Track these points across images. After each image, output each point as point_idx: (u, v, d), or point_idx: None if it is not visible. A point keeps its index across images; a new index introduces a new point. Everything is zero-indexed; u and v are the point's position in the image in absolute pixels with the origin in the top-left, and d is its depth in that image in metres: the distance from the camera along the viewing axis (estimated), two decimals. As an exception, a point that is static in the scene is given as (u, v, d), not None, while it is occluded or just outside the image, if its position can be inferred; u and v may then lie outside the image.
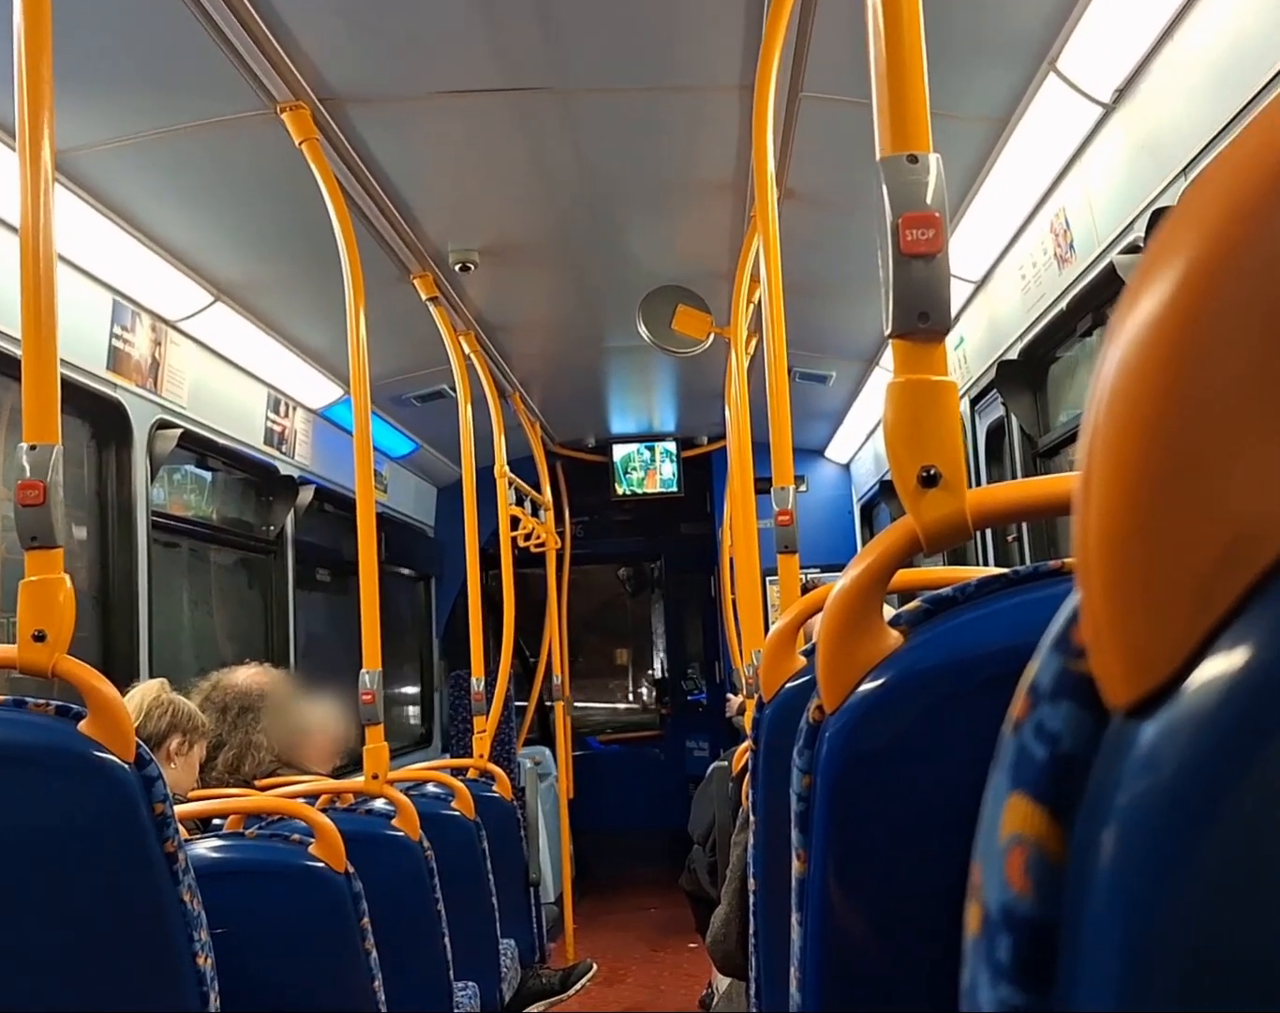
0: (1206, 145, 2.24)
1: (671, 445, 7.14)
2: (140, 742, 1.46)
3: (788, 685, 1.35)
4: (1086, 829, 0.31)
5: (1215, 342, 0.28)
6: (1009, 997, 0.32)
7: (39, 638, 1.46)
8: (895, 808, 0.93)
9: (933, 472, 0.98)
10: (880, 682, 0.93)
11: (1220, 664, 0.28)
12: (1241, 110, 2.10)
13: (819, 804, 0.96)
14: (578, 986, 4.37)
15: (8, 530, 2.92)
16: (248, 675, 3.04)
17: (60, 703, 1.46)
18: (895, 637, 0.94)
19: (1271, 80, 1.98)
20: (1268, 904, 0.26)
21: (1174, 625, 0.29)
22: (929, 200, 1.03)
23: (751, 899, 1.60)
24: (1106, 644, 0.30)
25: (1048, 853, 0.32)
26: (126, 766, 1.43)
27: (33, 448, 1.50)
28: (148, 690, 2.59)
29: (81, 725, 1.43)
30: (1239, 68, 2.08)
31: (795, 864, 1.01)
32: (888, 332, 1.04)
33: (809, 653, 1.33)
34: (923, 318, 1.02)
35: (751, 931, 1.62)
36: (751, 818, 1.53)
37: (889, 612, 0.98)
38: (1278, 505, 0.28)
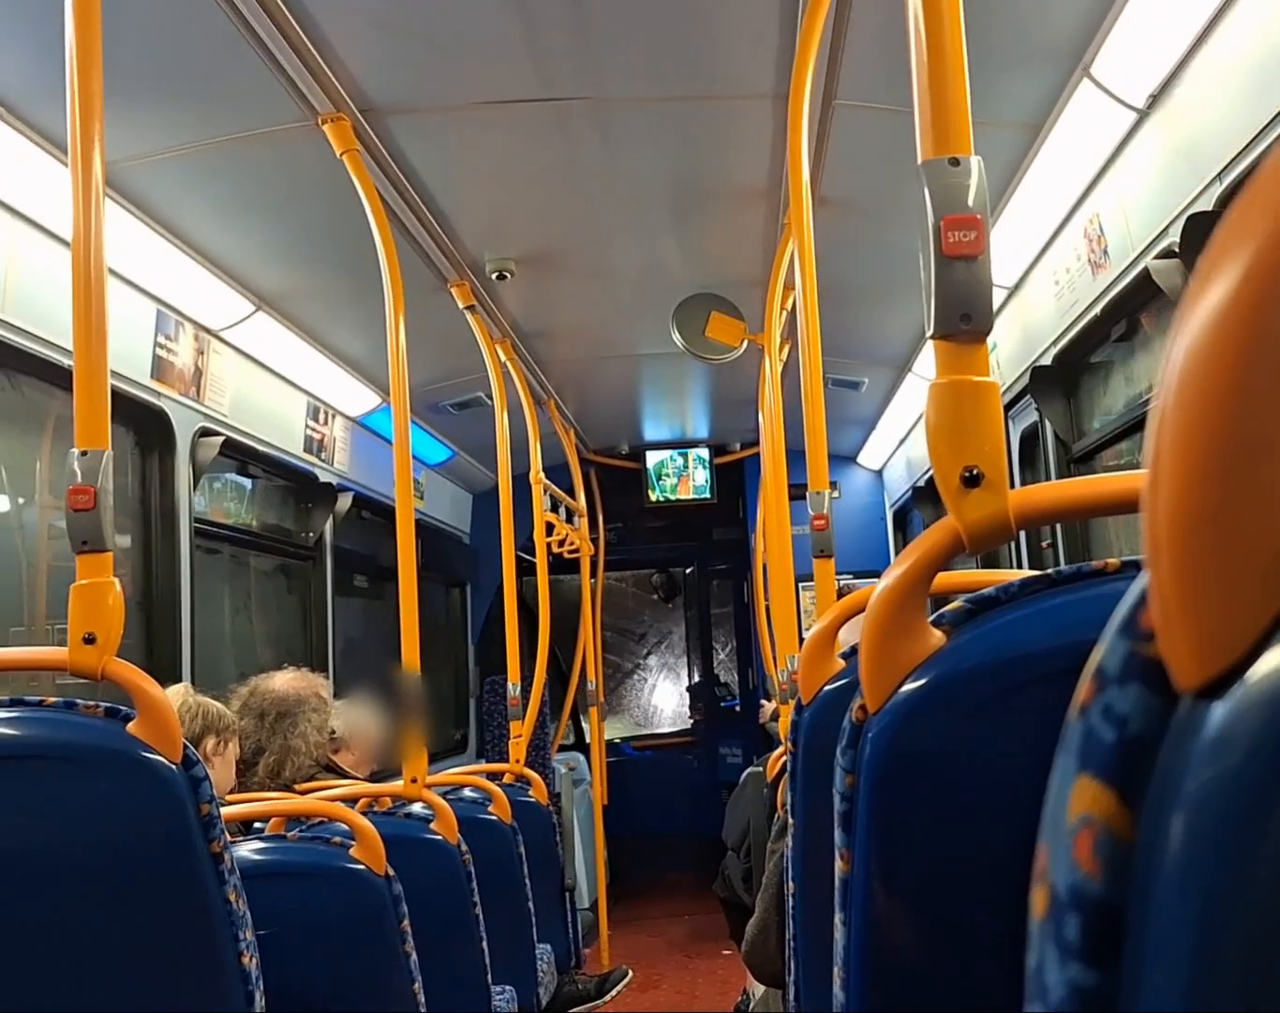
0: (1241, 150, 2.23)
1: (704, 452, 7.14)
2: (187, 743, 1.48)
3: (826, 688, 1.35)
4: (1155, 811, 0.31)
5: None
6: (1077, 976, 0.33)
7: (89, 640, 1.49)
8: (939, 807, 0.94)
9: (975, 472, 0.98)
10: (923, 681, 0.93)
11: None
12: (1277, 115, 2.09)
13: (862, 804, 0.96)
14: (613, 992, 4.37)
15: (54, 538, 2.97)
16: (285, 681, 3.06)
17: (109, 705, 1.48)
18: (938, 637, 0.95)
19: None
20: None
21: (1243, 608, 0.29)
22: (971, 202, 1.04)
23: (790, 902, 1.60)
24: (1175, 627, 0.31)
25: (1116, 834, 0.32)
26: (174, 766, 1.45)
27: (84, 453, 1.52)
28: (174, 696, 2.58)
29: (130, 727, 1.45)
30: (1274, 72, 2.07)
31: (839, 864, 1.01)
32: (930, 333, 1.04)
33: (847, 655, 1.33)
34: (965, 319, 1.03)
35: (790, 934, 1.62)
36: (790, 821, 1.54)
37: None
38: None
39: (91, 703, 1.48)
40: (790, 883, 1.61)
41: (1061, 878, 0.33)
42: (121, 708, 1.48)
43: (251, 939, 1.54)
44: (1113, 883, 0.32)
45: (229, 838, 1.62)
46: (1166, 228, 2.63)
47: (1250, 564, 0.29)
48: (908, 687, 0.94)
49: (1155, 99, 2.48)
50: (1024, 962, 0.36)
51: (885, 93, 2.66)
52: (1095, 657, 0.35)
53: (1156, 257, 2.67)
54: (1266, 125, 2.13)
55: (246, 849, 1.98)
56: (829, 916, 1.05)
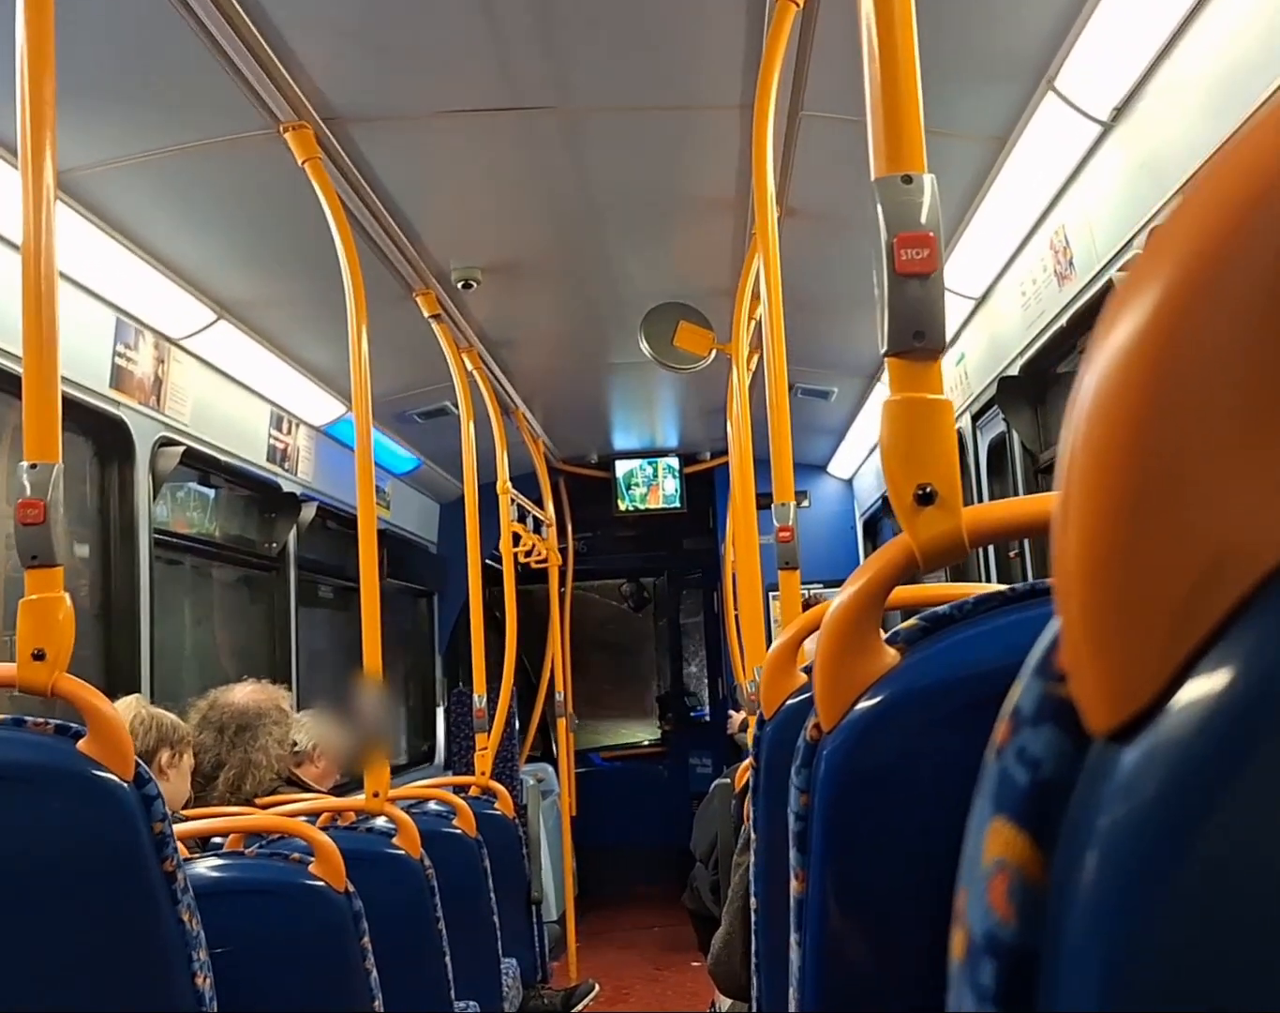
0: (1204, 163, 2.25)
1: (674, 461, 7.15)
2: (139, 760, 1.46)
3: (788, 703, 1.35)
4: (1067, 855, 0.30)
5: (1192, 365, 0.28)
6: (993, 1022, 0.32)
7: (38, 657, 1.46)
8: (893, 827, 0.93)
9: (929, 490, 0.98)
10: (877, 700, 0.93)
11: (1199, 689, 0.28)
12: (1239, 128, 2.10)
13: (817, 823, 0.96)
14: (580, 1006, 4.36)
15: (10, 548, 2.93)
16: (245, 694, 3.03)
17: (59, 722, 1.46)
18: (892, 655, 0.94)
19: (1268, 99, 1.99)
20: (1247, 929, 0.26)
21: (1153, 650, 0.29)
22: (923, 220, 1.04)
23: (753, 919, 1.59)
24: (1086, 669, 0.30)
25: (1029, 879, 0.32)
26: (126, 785, 1.43)
27: (33, 467, 1.50)
28: (126, 708, 2.54)
29: (80, 744, 1.43)
30: (1236, 86, 2.08)
31: (794, 884, 1.01)
32: (883, 350, 1.04)
33: (810, 670, 1.33)
34: (918, 337, 1.03)
35: (754, 950, 1.61)
36: (753, 837, 1.53)
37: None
38: (1256, 529, 0.28)
39: (41, 720, 1.46)
40: (753, 899, 1.60)
41: (977, 922, 0.33)
42: (72, 725, 1.46)
43: (205, 960, 1.52)
44: (1026, 928, 0.31)
45: (185, 855, 1.60)
46: (1131, 240, 2.65)
47: (1158, 608, 0.28)
48: (862, 705, 0.94)
49: (1119, 112, 2.50)
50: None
51: (852, 103, 2.63)
52: (1012, 697, 0.35)
53: (1121, 269, 2.69)
54: (1228, 139, 2.15)
55: (203, 866, 1.96)
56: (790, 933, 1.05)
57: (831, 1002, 0.97)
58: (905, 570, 0.97)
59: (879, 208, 1.04)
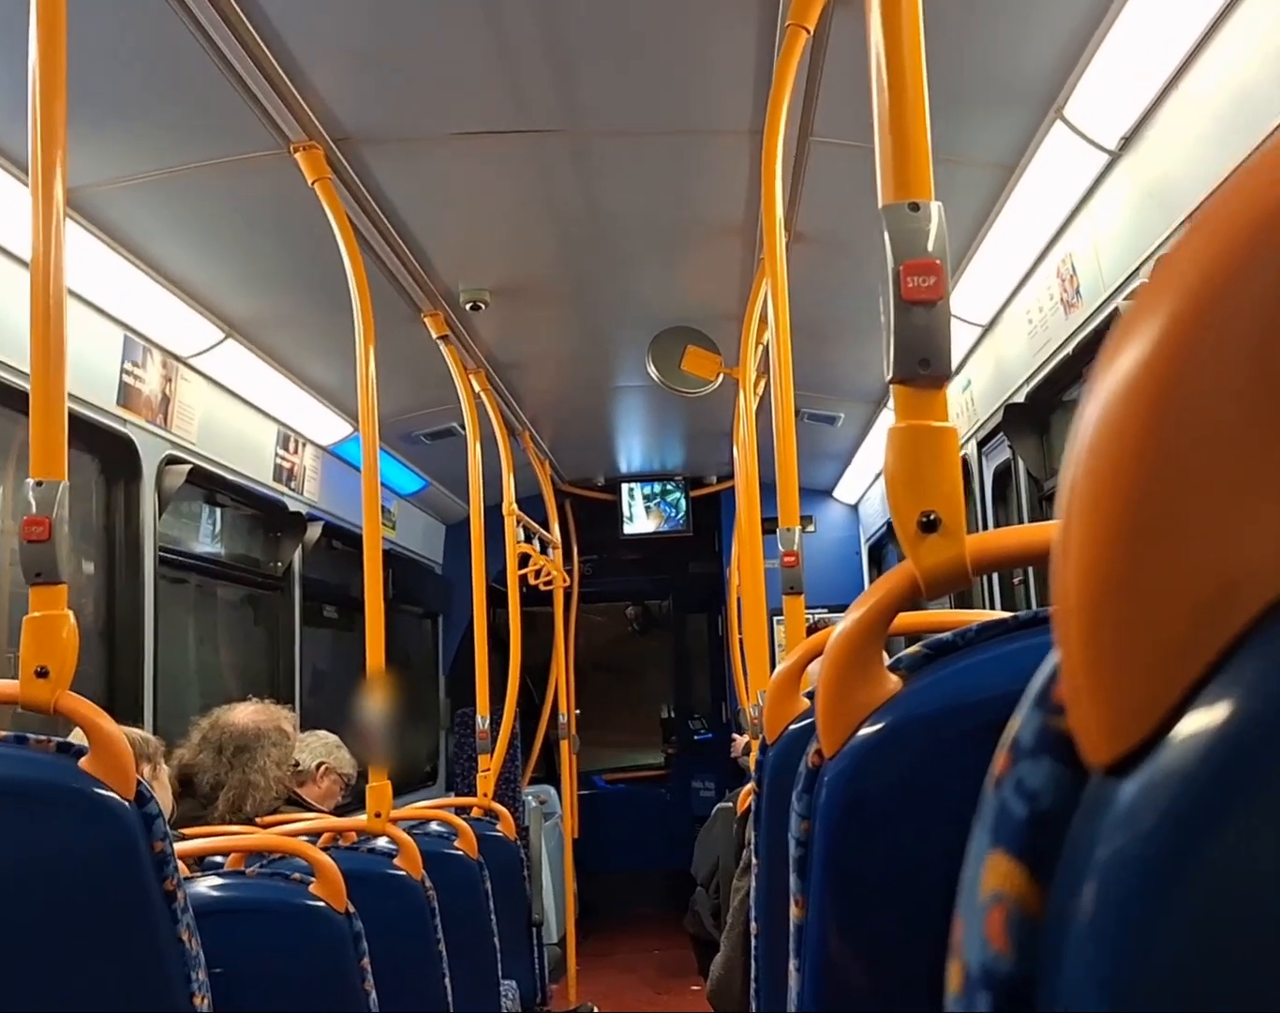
0: (1212, 192, 2.25)
1: (680, 484, 7.15)
2: (140, 779, 1.46)
3: (791, 728, 1.34)
4: (1064, 888, 0.30)
5: (1193, 398, 0.28)
6: (989, 1055, 0.32)
7: (41, 674, 1.46)
8: (894, 854, 0.93)
9: (932, 517, 0.98)
10: (879, 727, 0.93)
11: (1198, 722, 0.28)
12: (1246, 158, 2.11)
13: (817, 849, 0.95)
14: (579, 1028, 4.33)
15: (14, 566, 2.93)
16: (246, 714, 3.01)
17: (61, 740, 1.46)
18: (895, 681, 0.94)
19: (1277, 128, 1.99)
20: (1244, 962, 0.25)
21: (1152, 683, 0.28)
22: (930, 248, 1.04)
23: (753, 943, 1.58)
24: (1084, 702, 0.30)
25: (1027, 911, 0.31)
26: (127, 803, 1.42)
27: (39, 483, 1.50)
28: None
29: (82, 762, 1.43)
30: (1244, 116, 2.09)
31: (793, 910, 1.00)
32: (889, 377, 1.04)
33: (812, 695, 1.33)
34: (923, 364, 1.03)
35: (753, 975, 1.60)
36: (754, 861, 1.53)
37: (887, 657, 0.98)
38: (1257, 561, 0.27)
39: (43, 738, 1.46)
40: (754, 924, 1.59)
41: (974, 955, 0.33)
42: (74, 743, 1.46)
43: (204, 980, 1.51)
44: (1022, 960, 0.31)
45: (185, 874, 1.59)
46: (1137, 269, 2.65)
47: (1158, 640, 0.28)
48: (864, 732, 0.93)
49: (1127, 141, 2.51)
50: None
51: (861, 130, 2.65)
52: (1011, 728, 0.35)
53: (1127, 297, 2.70)
54: (1236, 169, 2.15)
55: (203, 886, 1.95)
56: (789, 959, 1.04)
57: (830, 1028, 0.97)
58: (908, 598, 0.97)
59: (886, 235, 1.04)
